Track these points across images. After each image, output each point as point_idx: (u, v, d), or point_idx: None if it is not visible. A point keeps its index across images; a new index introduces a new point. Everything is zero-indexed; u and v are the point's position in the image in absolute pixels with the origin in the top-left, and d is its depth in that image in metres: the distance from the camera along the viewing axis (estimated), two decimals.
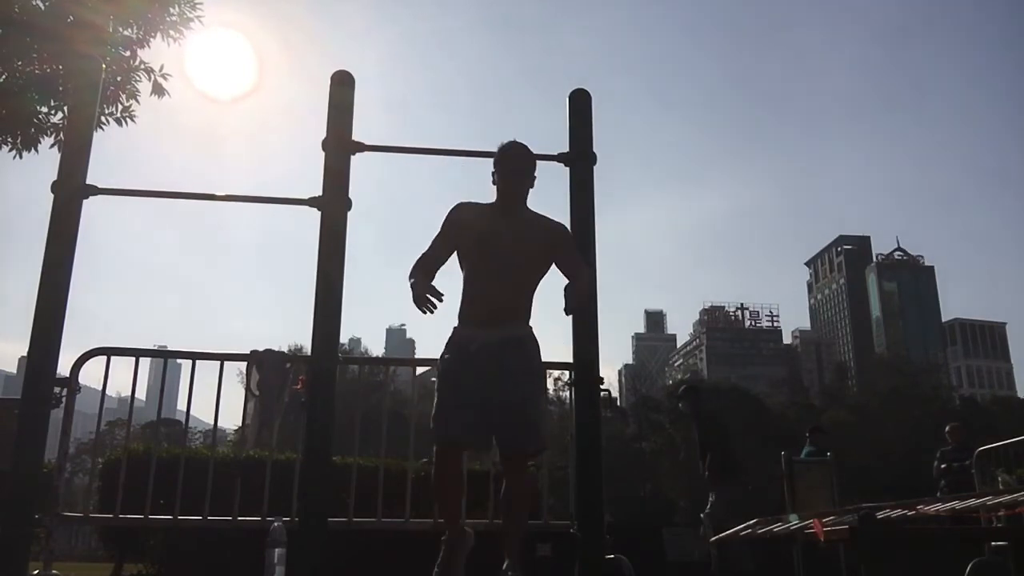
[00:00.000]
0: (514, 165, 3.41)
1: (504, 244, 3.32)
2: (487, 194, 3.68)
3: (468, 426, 3.20)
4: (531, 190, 3.48)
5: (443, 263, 3.43)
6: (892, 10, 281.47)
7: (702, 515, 7.98)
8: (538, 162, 3.55)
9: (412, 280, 3.27)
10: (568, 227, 3.66)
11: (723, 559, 7.19)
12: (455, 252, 3.43)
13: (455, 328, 3.40)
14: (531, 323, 3.43)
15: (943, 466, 9.81)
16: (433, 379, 3.47)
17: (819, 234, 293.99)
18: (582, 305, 3.41)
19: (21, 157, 7.49)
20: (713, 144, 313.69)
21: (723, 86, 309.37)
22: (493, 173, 3.43)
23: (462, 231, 3.40)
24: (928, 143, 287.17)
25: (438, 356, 3.41)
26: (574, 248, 3.52)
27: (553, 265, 3.41)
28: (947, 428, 10.39)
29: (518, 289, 3.38)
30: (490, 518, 4.30)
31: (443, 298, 3.23)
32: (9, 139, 7.43)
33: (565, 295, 3.23)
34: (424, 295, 3.18)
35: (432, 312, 3.18)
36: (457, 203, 3.49)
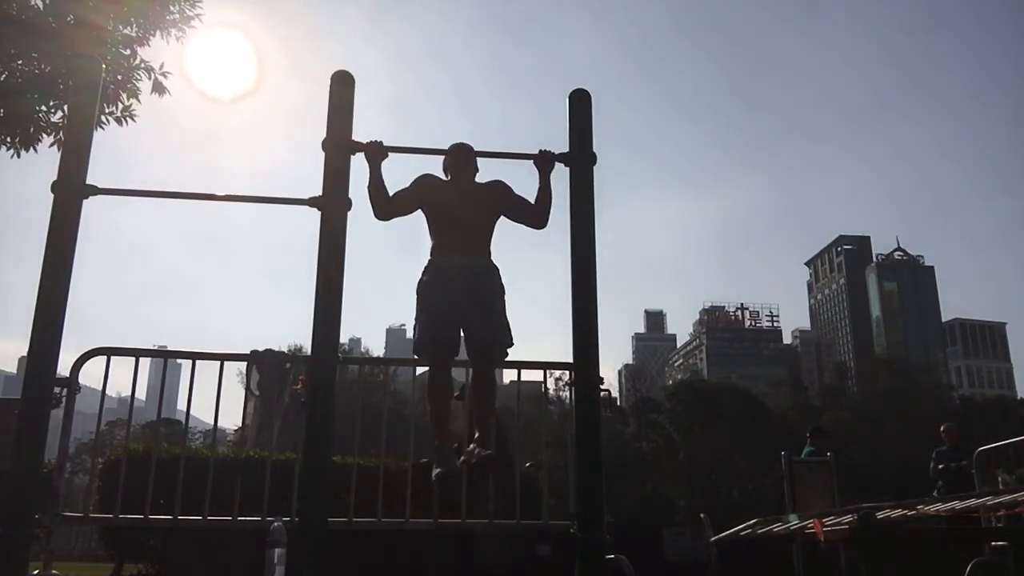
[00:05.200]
0: (459, 157, 4.19)
1: (464, 194, 4.11)
2: None
3: (448, 328, 3.90)
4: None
5: (401, 204, 4.08)
6: (892, 10, 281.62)
7: (702, 515, 7.97)
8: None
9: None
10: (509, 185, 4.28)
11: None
12: (419, 206, 4.12)
13: (430, 259, 4.09)
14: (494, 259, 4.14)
15: (939, 466, 9.83)
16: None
17: (819, 234, 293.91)
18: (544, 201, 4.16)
19: (20, 156, 7.49)
20: (713, 144, 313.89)
21: (723, 86, 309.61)
22: (444, 168, 4.25)
23: (427, 195, 4.13)
24: (928, 143, 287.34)
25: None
26: (516, 195, 4.20)
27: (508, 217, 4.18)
28: (942, 428, 10.43)
29: (480, 227, 4.12)
30: (490, 519, 4.30)
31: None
32: (8, 138, 7.43)
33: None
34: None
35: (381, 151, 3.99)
36: (423, 173, 4.20)
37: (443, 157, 4.26)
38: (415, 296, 4.05)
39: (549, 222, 4.19)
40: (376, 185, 4.04)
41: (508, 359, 4.12)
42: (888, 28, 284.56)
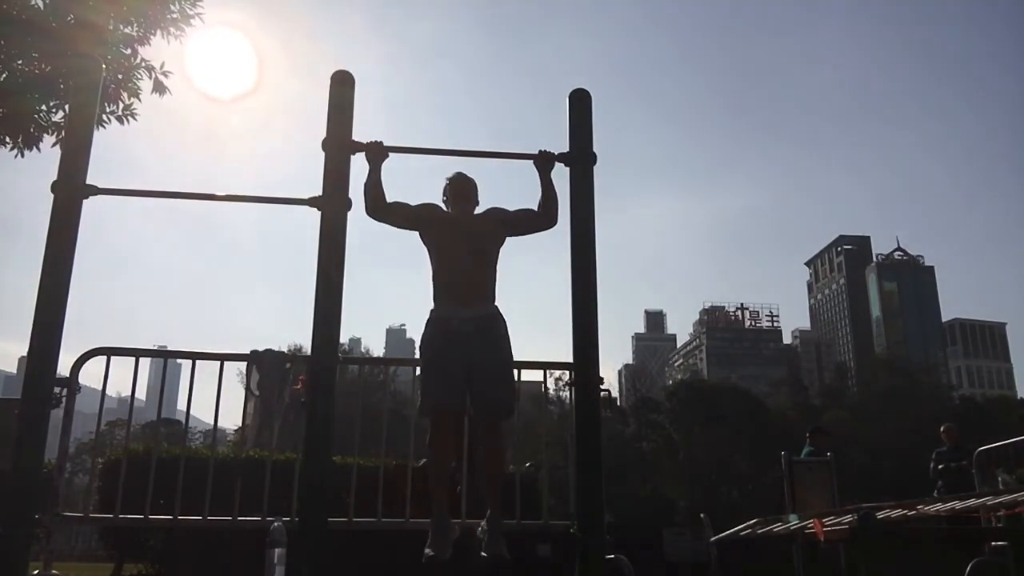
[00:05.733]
0: (462, 190, 4.15)
1: (465, 238, 3.98)
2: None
3: (454, 393, 3.75)
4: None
5: (397, 212, 4.03)
6: (892, 10, 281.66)
7: (702, 515, 7.97)
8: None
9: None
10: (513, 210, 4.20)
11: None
12: (414, 225, 4.06)
13: (432, 310, 3.96)
14: (497, 303, 4.01)
15: (939, 466, 9.85)
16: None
17: (819, 234, 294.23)
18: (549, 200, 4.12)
19: (23, 156, 7.49)
20: (713, 144, 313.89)
21: (723, 87, 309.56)
22: (444, 201, 4.17)
23: (428, 220, 4.06)
24: (928, 143, 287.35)
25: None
26: (515, 212, 4.13)
27: (513, 239, 4.11)
28: (942, 429, 10.44)
29: (481, 274, 3.98)
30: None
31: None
32: (9, 138, 7.43)
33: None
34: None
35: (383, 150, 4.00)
36: (430, 201, 4.16)
37: (444, 186, 4.19)
38: (419, 353, 3.94)
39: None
40: (374, 183, 4.01)
41: None
42: (888, 27, 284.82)
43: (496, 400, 3.83)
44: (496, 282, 4.03)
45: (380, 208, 4.01)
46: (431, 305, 3.98)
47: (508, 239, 4.12)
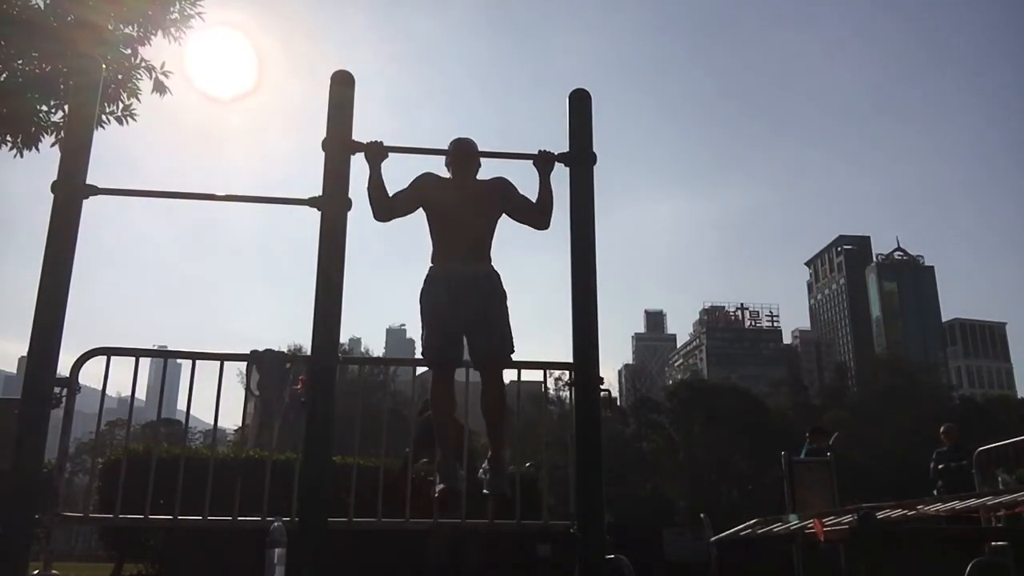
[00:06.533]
0: (465, 150, 4.16)
1: (465, 200, 4.06)
2: None
3: (454, 345, 3.95)
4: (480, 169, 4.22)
5: (399, 210, 4.07)
6: (895, 10, 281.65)
7: (702, 515, 7.97)
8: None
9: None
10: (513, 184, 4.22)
11: None
12: (419, 206, 4.10)
13: (431, 267, 4.08)
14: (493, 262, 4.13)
15: (939, 466, 9.86)
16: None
17: (819, 234, 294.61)
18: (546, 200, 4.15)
19: (22, 156, 7.49)
20: (713, 144, 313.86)
21: (723, 87, 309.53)
22: (447, 164, 4.18)
23: (427, 194, 4.09)
24: (929, 143, 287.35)
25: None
26: (519, 193, 4.16)
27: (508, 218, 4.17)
28: (941, 429, 10.45)
29: (481, 231, 4.09)
30: (490, 519, 4.30)
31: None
32: (9, 138, 7.43)
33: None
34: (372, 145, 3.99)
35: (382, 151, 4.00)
36: (425, 172, 4.16)
37: (445, 154, 4.22)
38: (418, 305, 4.04)
39: (551, 223, 4.18)
40: (376, 186, 4.03)
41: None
42: (890, 27, 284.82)
43: (494, 349, 3.97)
44: (492, 243, 4.15)
45: (385, 209, 4.05)
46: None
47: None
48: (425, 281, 4.06)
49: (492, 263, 4.14)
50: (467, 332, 3.96)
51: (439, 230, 4.10)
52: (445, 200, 4.09)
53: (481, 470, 4.01)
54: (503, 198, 4.15)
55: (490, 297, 4.02)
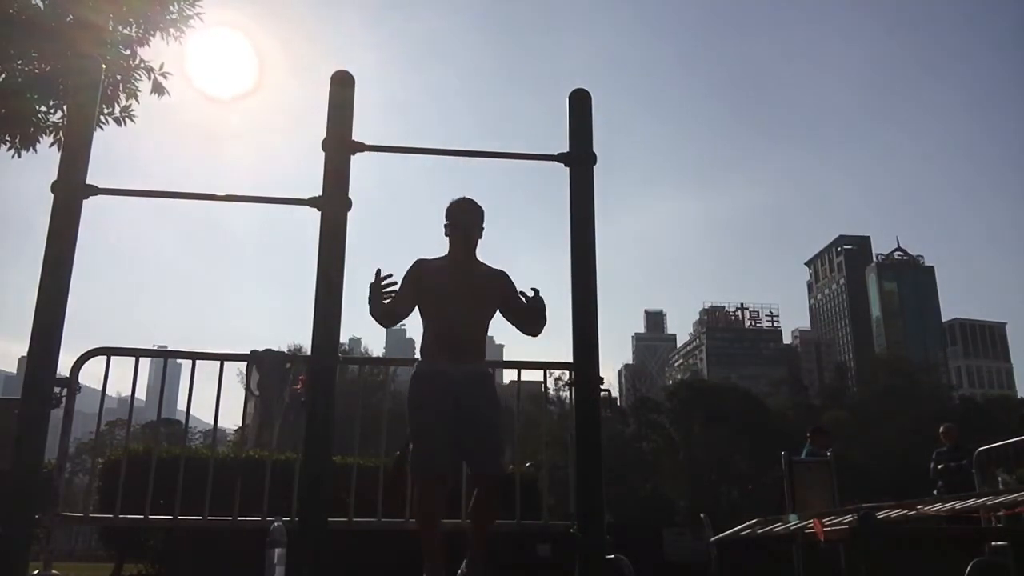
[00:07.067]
0: (466, 220, 3.86)
1: (461, 292, 3.76)
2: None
3: (445, 456, 3.57)
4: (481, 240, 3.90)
5: (403, 314, 3.84)
6: (892, 8, 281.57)
7: (702, 515, 7.97)
8: (538, 163, 3.97)
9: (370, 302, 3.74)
10: (512, 280, 3.96)
11: None
12: (416, 306, 3.83)
13: (419, 363, 3.76)
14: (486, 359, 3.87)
15: (939, 467, 9.86)
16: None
17: (819, 234, 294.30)
18: (539, 309, 3.85)
19: (20, 156, 7.49)
20: (713, 144, 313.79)
21: (724, 87, 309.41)
22: (446, 226, 3.87)
23: (424, 284, 3.80)
24: (929, 143, 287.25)
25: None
26: (516, 292, 3.90)
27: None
28: (941, 429, 10.46)
29: (475, 330, 3.80)
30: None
31: (391, 276, 3.75)
32: (7, 138, 7.43)
33: (528, 304, 3.80)
34: (376, 283, 3.71)
35: (387, 286, 3.72)
36: (416, 260, 3.87)
37: (445, 213, 3.89)
38: (406, 406, 3.69)
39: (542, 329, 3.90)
40: (383, 314, 3.80)
41: (508, 359, 4.12)
42: (888, 26, 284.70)
43: (485, 464, 3.63)
44: (486, 341, 3.89)
45: (390, 318, 3.84)
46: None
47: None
48: (414, 378, 3.72)
49: (485, 359, 3.86)
50: (458, 445, 3.60)
51: (434, 319, 3.79)
52: (444, 287, 3.78)
53: (460, 571, 3.62)
54: (502, 294, 3.87)
55: (489, 404, 3.71)
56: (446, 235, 3.88)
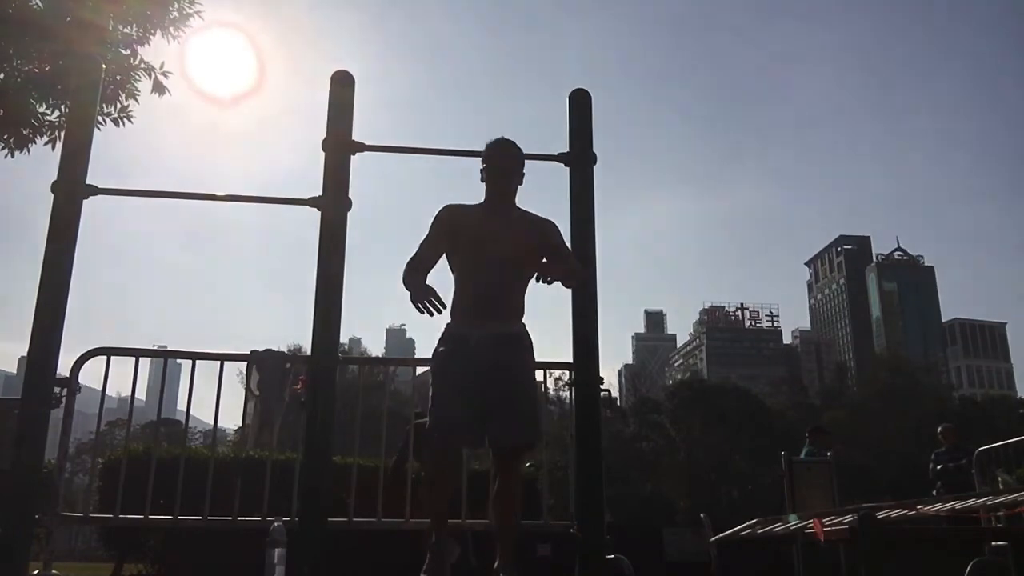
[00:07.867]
0: (504, 164, 3.44)
1: (497, 243, 3.33)
2: (483, 195, 3.66)
3: (466, 420, 3.22)
4: (520, 187, 3.51)
5: (434, 264, 3.40)
6: (894, 10, 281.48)
7: (702, 515, 7.97)
8: (538, 163, 3.82)
9: (407, 281, 3.24)
10: (558, 225, 3.61)
11: None
12: (444, 253, 3.43)
13: (448, 324, 3.39)
14: (524, 320, 3.45)
15: (938, 467, 9.85)
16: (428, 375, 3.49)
17: (819, 234, 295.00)
18: (582, 279, 3.53)
19: (13, 156, 7.47)
20: (713, 144, 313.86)
21: (724, 86, 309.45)
22: (482, 170, 3.47)
23: (452, 232, 3.40)
24: (929, 143, 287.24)
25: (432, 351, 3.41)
26: (564, 243, 3.57)
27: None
28: (940, 429, 10.46)
29: (512, 286, 3.39)
30: (490, 518, 4.30)
31: (444, 308, 3.19)
32: (4, 137, 7.42)
33: (562, 277, 3.31)
34: (424, 296, 3.13)
35: (432, 315, 3.15)
36: (444, 205, 3.48)
37: (482, 156, 3.49)
38: (431, 367, 3.39)
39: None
40: (411, 270, 3.32)
41: None
42: (889, 25, 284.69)
43: (520, 436, 3.28)
44: (525, 300, 3.44)
45: (419, 272, 3.33)
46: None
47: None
48: (440, 341, 3.36)
49: (523, 320, 3.42)
50: (488, 410, 3.22)
51: (465, 274, 3.38)
52: (479, 237, 3.35)
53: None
54: (552, 247, 3.44)
55: (522, 370, 3.33)
56: (482, 180, 3.47)
